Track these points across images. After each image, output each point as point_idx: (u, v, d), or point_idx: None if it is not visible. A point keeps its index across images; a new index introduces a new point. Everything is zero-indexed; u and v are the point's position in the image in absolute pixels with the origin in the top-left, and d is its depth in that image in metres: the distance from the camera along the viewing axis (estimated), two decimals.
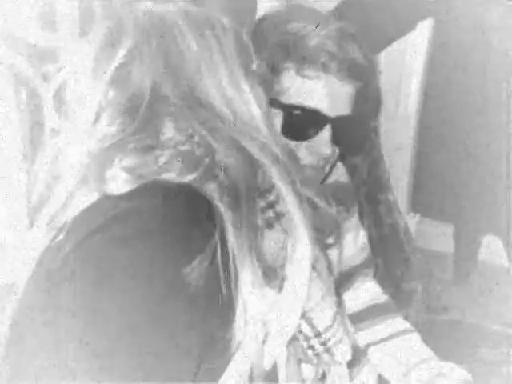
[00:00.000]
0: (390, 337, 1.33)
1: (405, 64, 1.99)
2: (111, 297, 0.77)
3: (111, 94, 0.90)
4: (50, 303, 0.83)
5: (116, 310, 0.77)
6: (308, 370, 1.04)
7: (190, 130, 0.88)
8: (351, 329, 1.19)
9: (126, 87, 0.90)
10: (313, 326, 0.98)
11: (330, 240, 1.03)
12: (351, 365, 1.14)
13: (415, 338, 1.34)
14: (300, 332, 0.98)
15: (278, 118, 1.10)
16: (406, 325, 1.37)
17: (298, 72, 1.09)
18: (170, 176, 0.84)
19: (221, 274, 0.81)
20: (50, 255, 0.84)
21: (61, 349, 0.81)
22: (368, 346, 1.32)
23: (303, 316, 0.96)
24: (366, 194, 1.71)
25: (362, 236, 1.41)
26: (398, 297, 1.52)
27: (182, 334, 0.79)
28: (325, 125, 1.11)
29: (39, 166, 0.93)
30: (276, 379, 0.98)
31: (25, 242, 0.92)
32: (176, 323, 0.78)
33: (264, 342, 0.88)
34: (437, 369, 1.23)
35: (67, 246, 0.82)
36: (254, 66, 0.97)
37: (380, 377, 1.29)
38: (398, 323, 1.36)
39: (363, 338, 1.34)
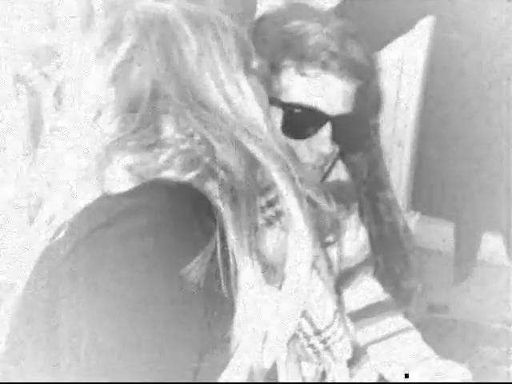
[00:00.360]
0: (390, 335, 1.33)
1: (405, 61, 1.99)
2: (112, 293, 0.77)
3: (111, 92, 0.90)
4: (50, 301, 0.83)
5: (115, 307, 0.77)
6: (308, 368, 1.05)
7: (191, 129, 0.88)
8: (351, 327, 1.19)
9: (126, 86, 0.90)
10: (312, 324, 0.99)
11: (330, 238, 1.03)
12: (351, 363, 1.14)
13: (415, 336, 1.34)
14: (300, 330, 0.98)
15: (278, 117, 1.10)
16: (406, 323, 1.37)
17: (298, 70, 1.09)
18: (170, 174, 0.84)
19: (221, 271, 0.82)
20: (51, 254, 0.85)
21: (60, 346, 0.81)
22: (368, 344, 1.32)
23: (303, 314, 0.96)
24: (366, 192, 1.71)
25: (362, 234, 1.41)
26: (398, 295, 1.53)
27: (182, 331, 0.79)
28: (324, 123, 1.11)
29: (39, 164, 0.93)
30: (276, 377, 0.98)
31: (25, 240, 0.92)
32: (176, 320, 0.78)
33: (264, 340, 0.89)
34: (437, 367, 1.23)
35: (68, 244, 0.82)
36: (254, 65, 0.98)
37: (380, 375, 1.29)
38: (398, 321, 1.36)
39: (363, 335, 1.34)
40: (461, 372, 1.22)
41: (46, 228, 0.89)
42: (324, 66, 1.09)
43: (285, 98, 1.11)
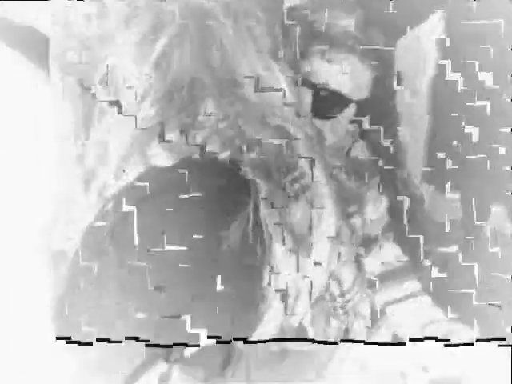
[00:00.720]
0: (406, 297, 1.43)
1: (420, 51, 2.04)
2: (155, 257, 0.89)
3: (154, 79, 1.00)
4: (98, 265, 0.94)
5: (169, 265, 0.89)
6: (333, 326, 1.15)
7: (225, 112, 0.98)
8: (371, 290, 1.29)
9: (167, 73, 1.00)
10: (339, 285, 1.08)
11: (353, 209, 1.12)
12: (370, 323, 1.24)
13: (428, 299, 1.44)
14: (326, 291, 1.08)
15: (308, 97, 1.21)
16: (420, 287, 1.47)
17: (325, 56, 1.20)
18: (207, 153, 0.95)
19: (253, 239, 0.93)
20: (99, 223, 0.96)
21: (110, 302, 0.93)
22: (386, 305, 1.42)
23: (331, 275, 1.06)
24: (385, 168, 1.79)
25: (382, 204, 1.50)
26: (414, 260, 1.61)
27: (220, 288, 0.91)
28: (348, 104, 1.21)
29: (91, 142, 1.03)
30: (305, 334, 1.09)
31: (77, 212, 1.02)
32: (214, 278, 0.90)
33: (293, 300, 1.00)
34: (446, 328, 1.33)
35: (115, 214, 0.93)
36: (283, 52, 1.07)
37: (395, 335, 1.40)
38: (414, 285, 1.46)
39: (382, 297, 1.44)
40: (468, 333, 1.32)
41: (96, 200, 0.99)
42: (349, 52, 1.19)
43: (314, 80, 1.21)
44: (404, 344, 1.35)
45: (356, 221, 1.28)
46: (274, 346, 1.10)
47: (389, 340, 1.35)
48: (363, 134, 1.31)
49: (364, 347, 1.19)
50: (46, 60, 1.23)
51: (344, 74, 1.20)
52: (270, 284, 0.98)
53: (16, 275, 1.57)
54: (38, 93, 1.41)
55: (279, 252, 0.98)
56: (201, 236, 0.89)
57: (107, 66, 1.04)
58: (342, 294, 1.14)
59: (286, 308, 1.02)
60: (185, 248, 0.90)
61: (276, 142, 0.99)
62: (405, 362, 1.40)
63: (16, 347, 1.52)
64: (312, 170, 1.02)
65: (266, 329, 1.01)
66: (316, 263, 1.03)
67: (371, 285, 1.32)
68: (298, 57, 1.18)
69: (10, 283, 1.58)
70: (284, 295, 1.01)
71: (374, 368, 1.41)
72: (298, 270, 1.01)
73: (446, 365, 1.34)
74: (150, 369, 1.06)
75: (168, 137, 0.97)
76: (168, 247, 0.90)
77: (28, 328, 1.54)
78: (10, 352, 1.53)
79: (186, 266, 0.90)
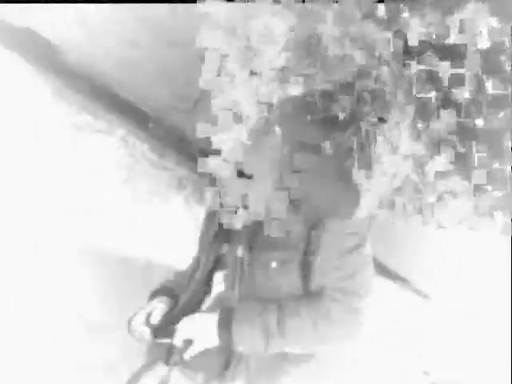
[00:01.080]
0: (454, 193, 1.72)
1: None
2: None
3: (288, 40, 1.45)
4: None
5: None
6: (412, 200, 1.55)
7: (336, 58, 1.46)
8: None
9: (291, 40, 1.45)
10: (416, 177, 1.48)
11: (424, 123, 1.49)
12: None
13: (470, 197, 1.73)
14: (408, 180, 1.48)
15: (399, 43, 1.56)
16: (467, 185, 1.74)
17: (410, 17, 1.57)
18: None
19: (358, 142, 1.38)
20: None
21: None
22: (444, 193, 1.71)
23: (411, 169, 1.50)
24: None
25: (445, 119, 1.73)
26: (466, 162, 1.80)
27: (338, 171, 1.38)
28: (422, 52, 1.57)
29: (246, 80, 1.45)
30: (393, 207, 1.48)
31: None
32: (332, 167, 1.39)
33: (388, 181, 1.40)
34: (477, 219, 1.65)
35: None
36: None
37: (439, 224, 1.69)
38: (462, 183, 1.71)
39: (440, 189, 1.73)
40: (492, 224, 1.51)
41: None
42: (431, 8, 1.53)
43: (404, 30, 1.56)
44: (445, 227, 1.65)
45: (426, 132, 1.60)
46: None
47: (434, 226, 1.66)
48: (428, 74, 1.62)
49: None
50: (45, 61, 1.28)
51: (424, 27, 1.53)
52: (370, 172, 1.38)
53: (15, 275, 1.58)
54: (38, 93, 1.44)
55: (376, 150, 1.35)
56: (323, 139, 1.35)
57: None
58: (419, 184, 1.47)
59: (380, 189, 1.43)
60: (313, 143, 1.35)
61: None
62: (405, 363, 1.43)
63: (16, 347, 1.53)
64: (396, 95, 1.40)
65: (367, 204, 1.39)
66: (402, 158, 1.42)
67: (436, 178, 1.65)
68: (388, 16, 1.50)
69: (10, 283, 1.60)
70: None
71: (373, 368, 1.44)
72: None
73: (446, 367, 1.38)
74: (150, 372, 1.08)
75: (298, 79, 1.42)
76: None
77: (28, 328, 1.55)
78: (11, 352, 1.54)
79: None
